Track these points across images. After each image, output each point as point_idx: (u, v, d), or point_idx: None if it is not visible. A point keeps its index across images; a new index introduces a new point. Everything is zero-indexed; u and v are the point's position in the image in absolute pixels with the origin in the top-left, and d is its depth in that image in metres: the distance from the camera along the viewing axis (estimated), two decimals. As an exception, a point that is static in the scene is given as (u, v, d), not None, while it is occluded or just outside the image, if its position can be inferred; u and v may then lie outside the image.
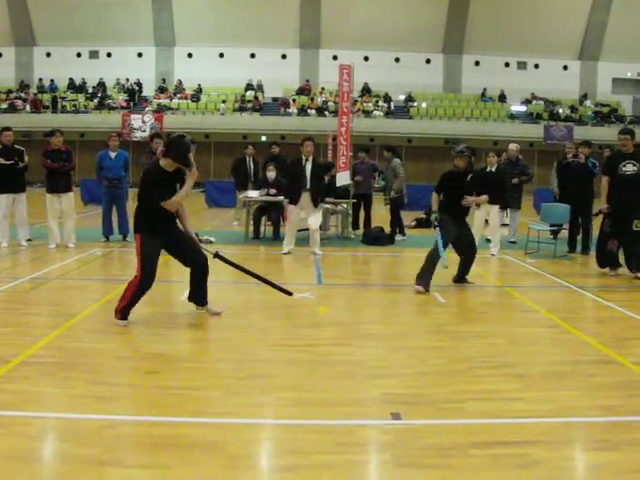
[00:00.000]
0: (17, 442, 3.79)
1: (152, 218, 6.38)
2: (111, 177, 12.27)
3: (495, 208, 11.61)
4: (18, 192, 11.44)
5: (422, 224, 15.32)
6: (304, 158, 11.35)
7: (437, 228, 8.29)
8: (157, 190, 6.28)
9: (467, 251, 8.72)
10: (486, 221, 11.94)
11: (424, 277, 8.29)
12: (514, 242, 12.91)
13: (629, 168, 9.49)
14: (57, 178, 11.44)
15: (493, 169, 11.83)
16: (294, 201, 11.25)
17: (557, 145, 31.77)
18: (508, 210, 13.35)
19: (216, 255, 6.80)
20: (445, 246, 8.23)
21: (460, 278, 8.87)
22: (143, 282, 6.35)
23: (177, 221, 6.64)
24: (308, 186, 11.21)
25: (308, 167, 11.27)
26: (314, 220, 11.33)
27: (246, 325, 6.51)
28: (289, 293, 7.19)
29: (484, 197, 8.81)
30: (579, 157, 11.94)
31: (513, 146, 13.40)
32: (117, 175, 12.32)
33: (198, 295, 6.74)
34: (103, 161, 12.34)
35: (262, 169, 14.63)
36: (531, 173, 13.52)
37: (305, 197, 11.21)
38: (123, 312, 6.35)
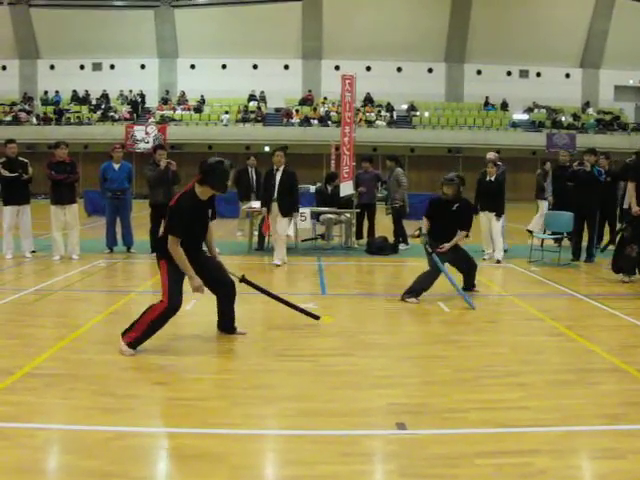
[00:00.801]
0: (22, 454, 3.80)
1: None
2: (115, 188, 12.30)
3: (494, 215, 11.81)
4: (22, 204, 11.49)
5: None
6: (275, 168, 11.43)
7: (432, 254, 8.38)
8: (188, 221, 5.84)
9: (467, 267, 8.80)
10: None
11: (416, 291, 8.38)
12: (505, 250, 12.75)
13: None
14: (62, 190, 11.48)
15: (492, 179, 11.90)
16: (267, 210, 11.41)
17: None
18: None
19: (242, 280, 6.66)
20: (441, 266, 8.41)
21: (469, 286, 8.95)
22: (169, 309, 5.83)
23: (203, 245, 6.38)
24: (275, 195, 11.29)
25: (277, 177, 11.34)
26: (280, 228, 11.25)
27: (250, 335, 6.51)
28: (316, 317, 6.99)
29: (462, 234, 8.67)
30: (584, 165, 11.92)
31: (491, 155, 13.30)
32: (121, 186, 12.35)
33: (226, 322, 6.54)
34: (107, 173, 12.37)
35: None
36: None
37: (275, 207, 11.28)
38: (134, 342, 5.79)
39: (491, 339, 6.66)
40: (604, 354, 5.99)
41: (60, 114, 35.65)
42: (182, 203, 5.88)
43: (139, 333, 5.81)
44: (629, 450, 3.92)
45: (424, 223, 8.65)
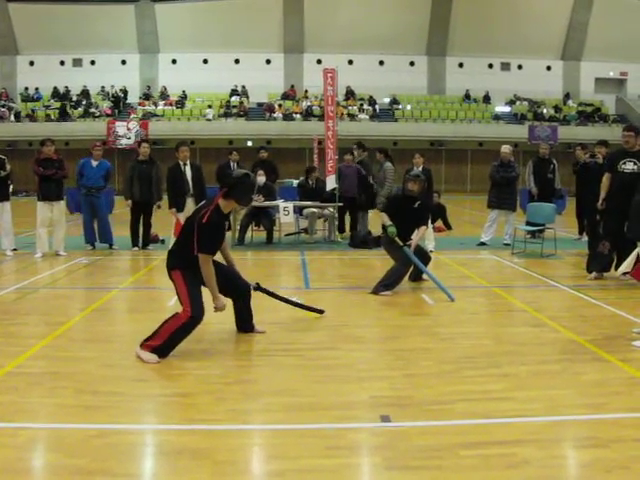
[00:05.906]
0: (4, 453, 3.76)
1: (194, 255, 5.68)
2: (90, 185, 12.24)
3: None
4: (2, 201, 11.39)
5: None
6: (182, 163, 11.39)
7: (404, 247, 8.47)
8: (216, 236, 5.78)
9: (422, 260, 8.76)
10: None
11: (389, 285, 8.43)
12: (508, 244, 12.69)
13: (629, 166, 9.05)
14: (50, 186, 11.41)
15: (420, 169, 11.95)
16: (180, 208, 11.10)
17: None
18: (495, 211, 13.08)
19: (257, 288, 6.61)
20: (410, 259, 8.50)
21: (416, 277, 9.11)
22: (193, 319, 5.62)
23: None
24: (191, 191, 11.23)
25: (188, 172, 11.30)
26: None
27: (233, 330, 6.49)
28: (320, 311, 7.16)
29: (423, 229, 8.88)
30: (597, 157, 11.48)
31: (506, 148, 13.12)
32: (96, 184, 12.27)
33: (243, 324, 6.49)
34: (84, 169, 12.30)
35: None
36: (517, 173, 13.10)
37: (190, 202, 11.06)
38: (157, 351, 5.54)
39: (475, 331, 6.68)
40: (587, 344, 6.03)
41: (17, 115, 35.35)
42: (214, 220, 5.69)
43: (160, 342, 5.54)
44: (612, 439, 3.95)
45: (384, 217, 8.71)
